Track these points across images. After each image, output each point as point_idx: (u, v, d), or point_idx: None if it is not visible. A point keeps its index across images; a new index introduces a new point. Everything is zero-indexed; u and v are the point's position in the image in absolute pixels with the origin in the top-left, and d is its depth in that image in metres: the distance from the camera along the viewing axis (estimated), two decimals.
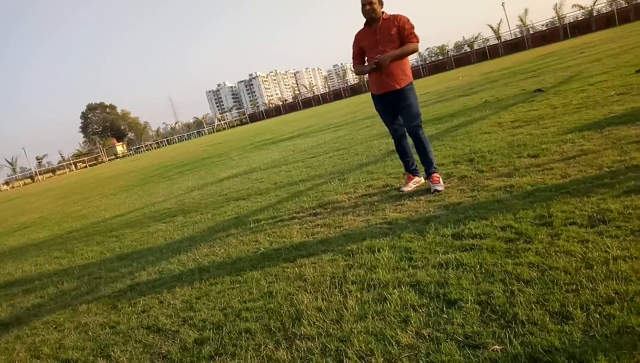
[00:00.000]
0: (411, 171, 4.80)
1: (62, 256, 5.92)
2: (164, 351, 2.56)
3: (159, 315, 3.08)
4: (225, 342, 2.47)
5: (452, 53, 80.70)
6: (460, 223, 3.29)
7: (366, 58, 4.68)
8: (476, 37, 77.44)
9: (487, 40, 73.77)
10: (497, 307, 2.12)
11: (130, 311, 3.29)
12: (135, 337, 2.84)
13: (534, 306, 2.05)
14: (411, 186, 4.65)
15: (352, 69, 5.00)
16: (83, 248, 6.11)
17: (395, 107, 4.63)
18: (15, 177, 74.50)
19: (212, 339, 2.54)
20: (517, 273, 2.37)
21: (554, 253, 2.49)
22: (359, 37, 4.68)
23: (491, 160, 4.94)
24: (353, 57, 4.82)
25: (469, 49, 77.35)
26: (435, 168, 4.51)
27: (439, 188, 4.30)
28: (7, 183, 71.67)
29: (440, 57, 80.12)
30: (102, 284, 4.17)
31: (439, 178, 4.43)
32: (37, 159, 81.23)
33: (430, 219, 3.56)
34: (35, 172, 74.22)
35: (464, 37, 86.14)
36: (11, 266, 6.17)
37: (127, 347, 2.74)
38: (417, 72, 68.82)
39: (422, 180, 4.74)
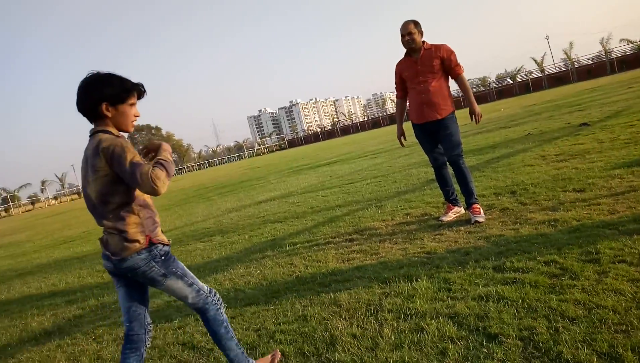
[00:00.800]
0: (451, 201, 4.72)
1: (104, 270, 6.09)
2: None
3: (194, 332, 3.11)
4: None
5: (494, 85, 79.88)
6: (502, 255, 3.20)
7: (408, 87, 4.67)
8: (519, 70, 76.54)
9: (531, 73, 72.74)
10: (541, 344, 2.04)
11: (166, 327, 3.34)
12: (170, 352, 2.88)
13: (580, 345, 1.96)
14: (451, 215, 4.57)
15: (394, 99, 5.11)
16: None
17: (435, 135, 4.60)
18: (64, 193, 77.71)
19: None
20: (562, 310, 2.28)
21: (601, 291, 2.38)
22: (400, 68, 4.68)
23: (534, 193, 4.81)
24: (396, 88, 4.85)
25: (511, 81, 76.42)
26: (476, 198, 4.43)
27: (480, 219, 4.21)
28: (55, 198, 74.84)
29: (482, 89, 79.41)
30: None
31: (479, 208, 4.35)
32: None
33: (470, 250, 3.48)
34: None
35: (506, 70, 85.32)
36: (55, 278, 6.40)
37: (163, 361, 2.77)
38: (458, 103, 68.31)
39: (462, 210, 4.67)
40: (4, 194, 72.55)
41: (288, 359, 2.44)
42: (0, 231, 23.10)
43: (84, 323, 3.94)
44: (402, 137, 5.01)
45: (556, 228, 3.56)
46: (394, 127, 9.34)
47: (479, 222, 4.17)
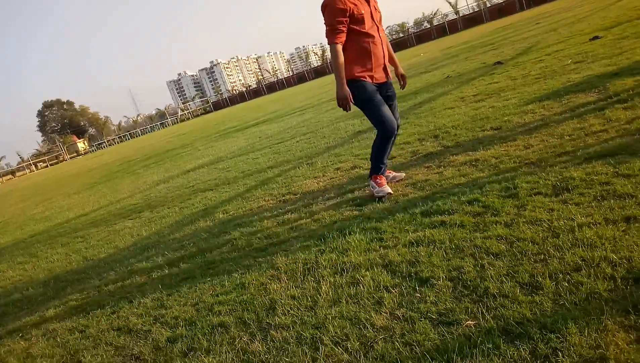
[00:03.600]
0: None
1: (26, 261, 5.70)
2: (136, 352, 2.49)
3: (129, 315, 2.99)
4: (198, 337, 2.42)
5: (413, 30, 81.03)
6: (429, 200, 3.30)
7: (363, 29, 3.56)
8: (435, 13, 77.98)
9: (447, 15, 74.31)
10: (469, 282, 2.13)
11: (99, 313, 3.19)
12: (105, 339, 2.76)
13: (504, 279, 2.07)
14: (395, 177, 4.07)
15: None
16: (47, 251, 5.90)
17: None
18: None
19: (185, 336, 2.49)
20: (486, 247, 2.40)
21: (521, 224, 2.52)
22: (352, 2, 3.51)
23: (455, 135, 4.97)
24: (338, 28, 3.52)
25: (428, 26, 77.78)
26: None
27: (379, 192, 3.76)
28: None
29: (401, 35, 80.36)
30: (69, 287, 4.03)
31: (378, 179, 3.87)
32: None
33: (398, 198, 3.56)
34: None
35: (423, 13, 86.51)
36: None
37: (98, 350, 2.65)
38: None
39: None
40: None
41: (228, 329, 2.41)
42: None
43: (8, 321, 3.68)
44: (349, 97, 3.60)
45: (477, 167, 3.71)
46: (320, 80, 8.98)
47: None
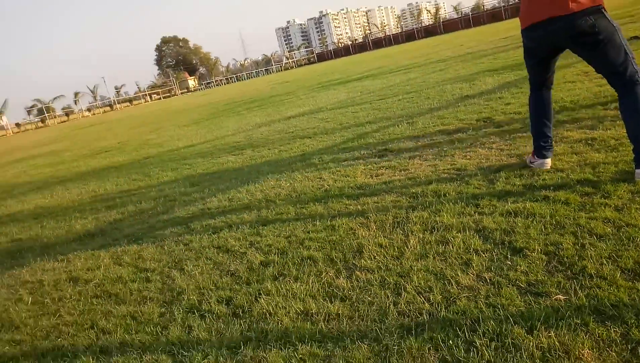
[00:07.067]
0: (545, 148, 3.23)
1: (140, 179, 6.34)
2: (232, 269, 2.74)
3: (228, 237, 3.28)
4: (289, 265, 2.61)
5: None
6: (534, 173, 3.17)
7: None
8: None
9: None
10: (565, 259, 2.07)
11: (202, 232, 3.52)
12: (206, 254, 3.06)
13: (604, 261, 1.98)
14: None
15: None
16: (159, 173, 6.50)
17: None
18: (96, 105, 78.99)
19: (277, 262, 2.69)
20: (590, 227, 2.29)
21: (633, 210, 2.36)
22: None
23: (573, 110, 4.64)
24: None
25: None
26: None
27: None
28: (88, 110, 76.33)
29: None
30: (176, 206, 4.46)
31: None
32: (116, 89, 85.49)
33: (501, 168, 3.45)
34: (114, 101, 78.19)
35: None
36: (94, 185, 6.71)
37: (199, 262, 2.96)
38: (498, 14, 64.27)
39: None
40: (40, 106, 74.29)
41: (316, 263, 2.56)
42: (38, 141, 23.96)
43: (124, 227, 4.17)
44: None
45: (593, 146, 3.47)
46: (430, 40, 8.50)
47: None
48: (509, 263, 2.14)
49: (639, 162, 2.70)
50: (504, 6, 70.28)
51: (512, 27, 29.91)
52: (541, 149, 3.23)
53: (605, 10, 2.69)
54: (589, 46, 2.73)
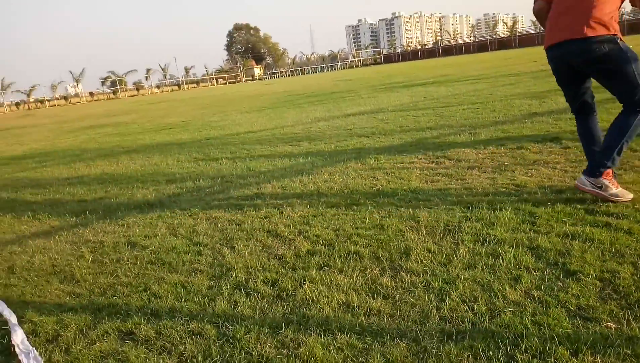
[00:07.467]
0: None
1: (200, 158, 6.59)
2: (279, 253, 2.82)
3: (278, 223, 3.37)
4: (335, 257, 2.66)
5: (627, 18, 70.20)
6: (598, 199, 3.05)
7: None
8: None
9: None
10: (621, 288, 2.00)
11: (254, 214, 3.64)
12: (256, 236, 3.16)
13: None
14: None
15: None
16: (218, 154, 6.73)
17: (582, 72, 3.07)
18: (165, 83, 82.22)
19: (323, 253, 2.74)
20: None
21: None
22: None
23: None
24: None
25: None
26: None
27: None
28: (158, 87, 79.57)
29: None
30: (232, 187, 4.62)
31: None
32: (185, 69, 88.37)
33: (563, 189, 3.34)
34: (182, 81, 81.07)
35: None
36: (157, 158, 7.03)
37: (249, 243, 3.06)
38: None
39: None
40: (113, 78, 78.17)
41: (362, 259, 2.60)
42: (109, 111, 25.28)
43: (182, 201, 4.37)
44: None
45: None
46: (503, 52, 8.26)
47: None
48: (560, 284, 2.09)
49: (589, 171, 2.97)
50: None
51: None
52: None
53: (620, 40, 2.85)
54: (601, 73, 2.94)
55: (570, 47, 2.92)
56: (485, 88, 11.52)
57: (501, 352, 1.69)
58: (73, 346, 2.09)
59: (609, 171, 2.97)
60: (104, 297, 2.55)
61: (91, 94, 72.75)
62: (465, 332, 1.83)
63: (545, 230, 2.68)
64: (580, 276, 2.13)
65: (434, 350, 1.74)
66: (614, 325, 1.75)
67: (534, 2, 3.22)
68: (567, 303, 1.94)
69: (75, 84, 78.91)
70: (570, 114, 6.08)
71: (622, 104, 2.98)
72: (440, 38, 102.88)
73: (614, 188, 2.96)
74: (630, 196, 2.95)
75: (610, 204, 2.92)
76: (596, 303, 1.92)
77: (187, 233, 3.42)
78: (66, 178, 6.28)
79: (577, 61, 2.95)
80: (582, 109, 3.23)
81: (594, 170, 2.96)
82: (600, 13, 2.80)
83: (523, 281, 2.15)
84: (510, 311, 1.93)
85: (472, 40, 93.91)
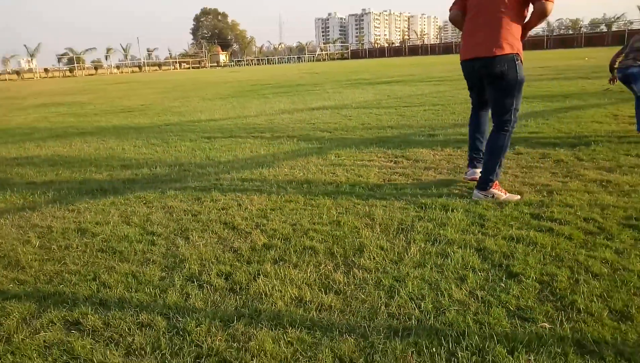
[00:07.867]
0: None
1: (158, 144, 6.45)
2: (235, 246, 2.82)
3: (235, 215, 3.36)
4: (290, 252, 2.68)
5: (585, 30, 73.27)
6: (543, 204, 3.21)
7: (467, 6, 3.50)
8: (618, 18, 69.52)
9: (631, 23, 65.95)
10: (558, 290, 2.12)
11: (211, 205, 3.61)
12: (212, 228, 3.15)
13: (595, 299, 2.03)
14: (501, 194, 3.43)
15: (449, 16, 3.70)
16: (177, 141, 6.61)
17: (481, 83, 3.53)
18: (126, 63, 79.72)
19: (279, 247, 2.77)
20: (587, 265, 2.33)
21: (633, 256, 2.40)
22: None
23: (594, 151, 4.64)
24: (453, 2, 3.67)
25: (605, 29, 69.78)
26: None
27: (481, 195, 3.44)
28: (117, 67, 77.08)
29: (571, 32, 73.15)
30: (189, 176, 4.56)
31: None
32: (148, 51, 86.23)
33: (513, 193, 3.48)
34: (144, 62, 78.87)
35: (604, 14, 77.70)
36: (113, 142, 6.84)
37: (204, 234, 3.04)
38: (540, 43, 63.33)
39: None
40: (70, 55, 75.14)
41: (317, 254, 2.64)
42: (65, 89, 24.30)
43: (136, 188, 4.27)
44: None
45: (606, 189, 3.49)
46: None
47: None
48: (503, 285, 2.20)
49: (480, 186, 3.41)
50: (547, 35, 69.47)
51: (552, 58, 29.58)
52: (473, 160, 3.85)
53: (519, 59, 3.26)
54: (493, 86, 3.36)
55: (481, 63, 3.34)
56: (447, 90, 11.79)
57: (444, 349, 1.76)
58: (15, 335, 2.03)
59: (496, 182, 3.43)
60: (50, 285, 2.47)
61: (46, 70, 69.72)
62: (411, 329, 1.90)
63: (492, 232, 2.80)
64: (521, 278, 2.25)
65: (381, 346, 1.80)
66: (548, 325, 1.86)
67: (449, 10, 3.68)
68: (507, 304, 2.04)
69: (30, 59, 75.42)
70: (524, 121, 6.36)
71: (493, 123, 3.45)
72: (407, 37, 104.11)
73: (503, 195, 3.39)
74: (517, 197, 3.39)
75: (555, 210, 3.08)
76: (534, 304, 2.03)
77: (141, 222, 3.36)
78: (14, 158, 6.03)
79: (484, 74, 3.37)
80: (480, 105, 3.78)
81: (484, 185, 3.41)
82: (507, 33, 3.20)
83: (468, 281, 2.24)
84: (454, 309, 2.02)
85: (438, 41, 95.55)
